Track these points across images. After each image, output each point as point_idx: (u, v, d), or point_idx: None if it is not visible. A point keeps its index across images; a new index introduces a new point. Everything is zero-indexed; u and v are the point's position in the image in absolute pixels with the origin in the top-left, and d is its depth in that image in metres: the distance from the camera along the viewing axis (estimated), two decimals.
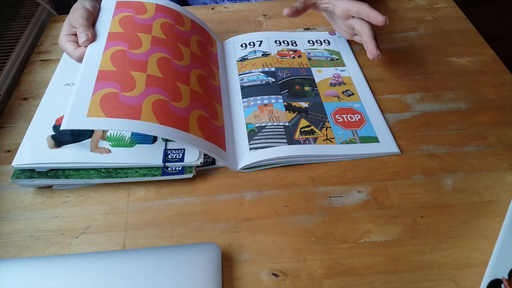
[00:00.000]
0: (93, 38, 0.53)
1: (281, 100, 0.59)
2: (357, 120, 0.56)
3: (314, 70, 0.64)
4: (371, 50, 0.59)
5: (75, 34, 0.54)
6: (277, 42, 0.69)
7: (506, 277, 0.39)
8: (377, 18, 0.57)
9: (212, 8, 0.79)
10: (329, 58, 0.66)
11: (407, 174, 0.51)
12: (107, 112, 0.45)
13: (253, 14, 0.77)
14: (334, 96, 0.60)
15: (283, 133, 0.54)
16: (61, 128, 0.43)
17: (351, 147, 0.53)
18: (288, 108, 0.58)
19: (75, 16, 0.55)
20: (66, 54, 0.56)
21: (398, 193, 0.49)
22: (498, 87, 0.61)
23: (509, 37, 1.61)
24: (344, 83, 0.62)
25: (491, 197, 0.48)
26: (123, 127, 0.45)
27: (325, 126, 0.55)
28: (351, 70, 0.64)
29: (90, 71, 0.49)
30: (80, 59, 0.52)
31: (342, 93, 0.60)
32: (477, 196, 0.49)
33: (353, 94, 0.60)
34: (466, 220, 0.46)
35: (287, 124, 0.55)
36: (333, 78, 0.63)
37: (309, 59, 0.66)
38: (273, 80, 0.62)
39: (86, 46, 0.52)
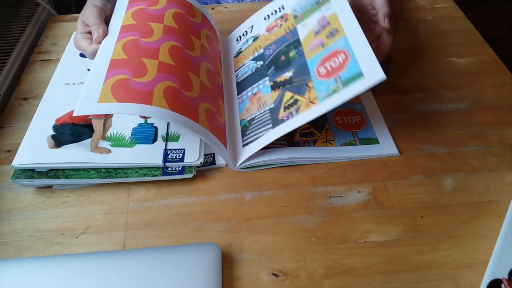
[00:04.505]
0: (104, 34, 0.53)
1: (267, 82, 0.56)
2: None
3: (299, 27, 0.59)
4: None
5: (89, 32, 0.55)
6: (266, 17, 0.66)
7: (506, 277, 0.39)
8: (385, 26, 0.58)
9: (212, 8, 0.79)
10: (314, 3, 0.59)
11: (407, 174, 0.51)
12: (118, 97, 0.45)
13: (253, 14, 0.77)
14: (318, 46, 0.54)
15: (268, 117, 0.52)
16: (74, 114, 0.43)
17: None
18: (274, 87, 0.55)
19: (86, 15, 0.56)
20: (69, 50, 0.56)
21: (398, 193, 0.49)
22: (498, 87, 0.61)
23: (509, 37, 1.61)
24: (329, 23, 0.55)
25: (491, 197, 0.48)
26: (134, 111, 0.44)
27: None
28: (336, 3, 0.56)
29: (103, 61, 0.49)
30: (93, 55, 0.52)
31: (326, 37, 0.54)
32: (477, 196, 0.49)
33: (337, 31, 0.53)
34: (466, 220, 0.46)
35: (272, 106, 0.53)
36: (318, 24, 0.56)
37: (295, 16, 0.60)
38: (261, 62, 0.60)
39: (99, 43, 0.53)
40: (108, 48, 0.51)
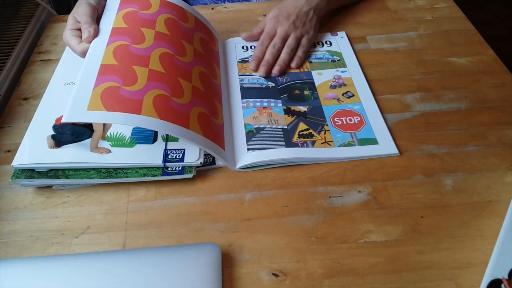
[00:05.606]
0: (95, 34, 0.53)
1: (280, 104, 0.59)
2: (356, 122, 0.56)
3: (314, 73, 0.64)
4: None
5: (79, 29, 0.54)
6: None
7: (506, 277, 0.39)
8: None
9: (212, 8, 0.79)
10: (330, 60, 0.66)
11: (407, 174, 0.51)
12: (107, 106, 0.45)
13: (253, 14, 0.77)
14: (333, 98, 0.60)
15: (281, 136, 0.54)
16: (62, 121, 0.44)
17: (349, 150, 0.53)
18: (287, 112, 0.58)
19: (79, 12, 0.55)
20: (69, 50, 0.56)
21: (398, 193, 0.49)
22: (498, 87, 0.61)
23: (509, 37, 1.62)
24: (345, 85, 0.62)
25: (491, 197, 0.48)
26: (123, 121, 0.44)
27: (323, 129, 0.55)
28: (352, 71, 0.64)
29: (92, 65, 0.49)
30: (83, 54, 0.52)
31: (342, 95, 0.60)
32: (477, 196, 0.49)
33: (353, 95, 0.60)
34: (466, 220, 0.46)
35: (285, 127, 0.55)
36: (334, 80, 0.63)
37: (310, 62, 0.66)
38: (273, 84, 0.62)
39: (89, 43, 0.52)
40: (99, 51, 0.51)
